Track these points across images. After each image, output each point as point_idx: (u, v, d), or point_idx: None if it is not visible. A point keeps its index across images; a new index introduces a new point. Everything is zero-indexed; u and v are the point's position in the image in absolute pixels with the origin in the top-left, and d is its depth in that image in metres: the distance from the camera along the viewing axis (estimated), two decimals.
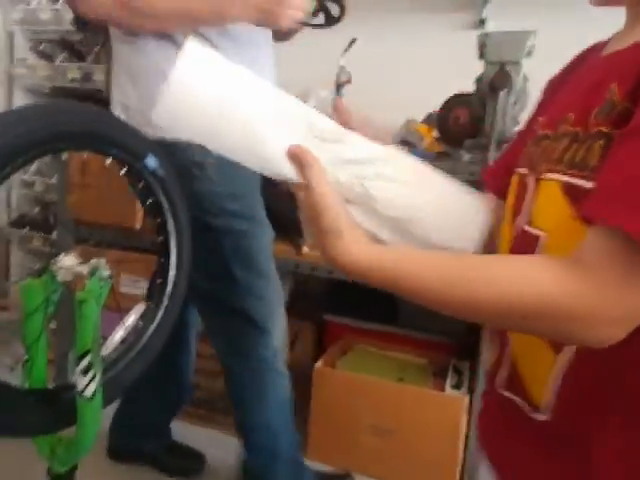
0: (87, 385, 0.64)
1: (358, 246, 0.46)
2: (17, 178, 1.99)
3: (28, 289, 0.64)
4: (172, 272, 0.84)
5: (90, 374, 0.64)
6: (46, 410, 0.67)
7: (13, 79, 2.10)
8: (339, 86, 1.70)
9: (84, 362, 0.63)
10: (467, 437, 1.37)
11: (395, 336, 1.76)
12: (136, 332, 0.77)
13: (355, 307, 1.73)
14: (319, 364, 1.50)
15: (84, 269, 0.64)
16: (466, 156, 1.48)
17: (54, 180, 1.91)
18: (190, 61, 0.45)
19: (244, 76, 0.49)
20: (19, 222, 2.07)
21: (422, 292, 0.43)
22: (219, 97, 0.46)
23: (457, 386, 1.43)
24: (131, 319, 0.77)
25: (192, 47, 0.46)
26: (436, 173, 0.55)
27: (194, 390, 1.57)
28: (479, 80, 1.49)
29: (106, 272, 0.64)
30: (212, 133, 0.47)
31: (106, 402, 0.69)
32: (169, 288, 0.85)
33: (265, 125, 0.47)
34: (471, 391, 1.39)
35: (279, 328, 1.17)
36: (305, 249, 1.54)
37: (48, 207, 2.06)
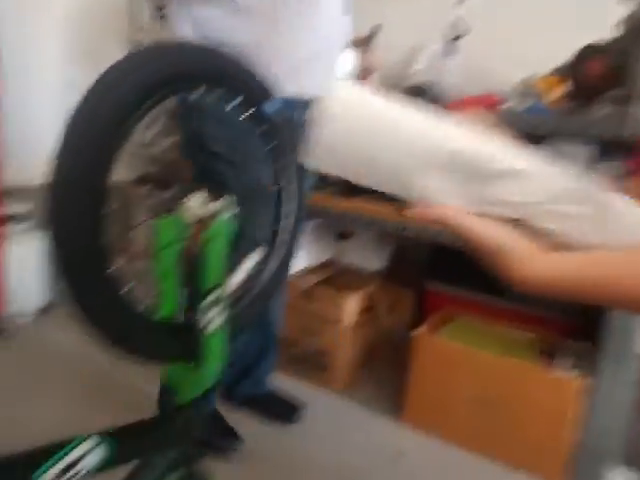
0: (213, 320, 0.67)
1: (533, 259, 0.44)
2: (138, 139, 2.15)
3: (161, 225, 0.68)
4: (287, 219, 0.84)
5: (216, 309, 0.66)
6: (175, 341, 0.72)
7: (135, 44, 2.25)
8: (454, 39, 1.57)
9: (211, 297, 0.66)
10: (577, 421, 1.25)
11: (501, 309, 1.65)
12: (254, 275, 0.79)
13: (459, 276, 1.64)
14: (420, 330, 1.46)
15: (212, 208, 0.66)
16: (602, 111, 1.30)
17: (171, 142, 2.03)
18: (342, 101, 0.48)
19: (394, 110, 0.50)
20: (140, 180, 2.26)
21: (617, 289, 0.40)
22: (369, 134, 0.48)
23: (572, 367, 1.31)
24: (250, 263, 0.78)
25: (343, 86, 0.49)
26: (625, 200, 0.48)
27: (292, 347, 1.62)
28: (622, 23, 1.28)
29: (233, 211, 0.65)
30: (363, 168, 0.50)
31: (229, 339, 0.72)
32: (283, 235, 0.86)
33: (415, 162, 0.48)
34: (591, 375, 1.26)
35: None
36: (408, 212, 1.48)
37: (167, 166, 2.22)
